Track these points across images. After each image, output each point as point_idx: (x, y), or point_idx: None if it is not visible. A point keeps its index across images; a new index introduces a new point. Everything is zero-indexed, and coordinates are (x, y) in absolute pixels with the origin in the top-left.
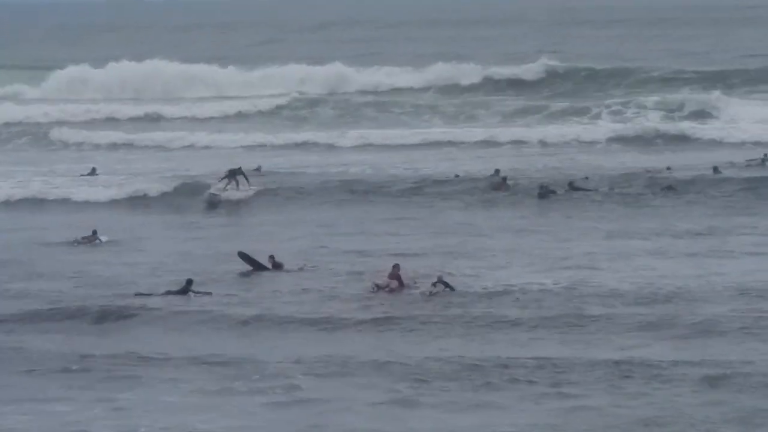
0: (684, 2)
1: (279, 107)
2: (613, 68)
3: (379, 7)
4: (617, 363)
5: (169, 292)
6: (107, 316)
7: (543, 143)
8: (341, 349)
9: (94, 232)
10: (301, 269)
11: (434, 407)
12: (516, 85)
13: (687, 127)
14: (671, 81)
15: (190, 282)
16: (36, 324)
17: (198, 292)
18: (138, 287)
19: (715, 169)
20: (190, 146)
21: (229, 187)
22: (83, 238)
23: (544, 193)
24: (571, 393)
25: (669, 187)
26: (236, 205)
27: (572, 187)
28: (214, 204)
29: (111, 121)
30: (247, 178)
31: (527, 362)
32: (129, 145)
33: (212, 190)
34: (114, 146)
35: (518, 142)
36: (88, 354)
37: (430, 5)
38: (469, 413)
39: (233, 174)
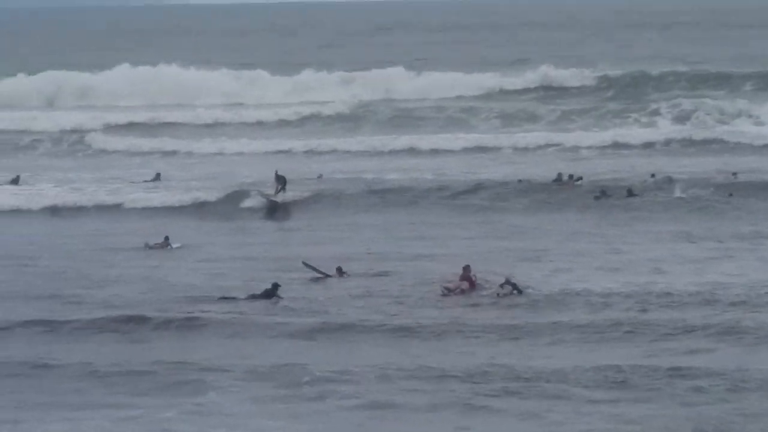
0: (746, 4)
1: (335, 113)
2: (670, 71)
3: (435, 12)
4: (681, 369)
5: (254, 296)
6: (174, 323)
7: (600, 147)
8: (408, 354)
9: (166, 238)
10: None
11: (498, 413)
12: (573, 89)
13: (740, 130)
14: (729, 83)
15: (276, 286)
16: (103, 329)
17: (281, 297)
18: (203, 291)
19: None
20: (243, 153)
21: (279, 190)
22: (155, 243)
23: (601, 196)
24: (636, 399)
25: (730, 195)
26: (296, 210)
27: (630, 193)
28: (272, 209)
29: (162, 126)
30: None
31: (592, 368)
32: (184, 152)
33: (267, 195)
34: (168, 152)
35: (576, 146)
36: (157, 360)
37: (488, 9)
38: (534, 419)
39: (279, 178)
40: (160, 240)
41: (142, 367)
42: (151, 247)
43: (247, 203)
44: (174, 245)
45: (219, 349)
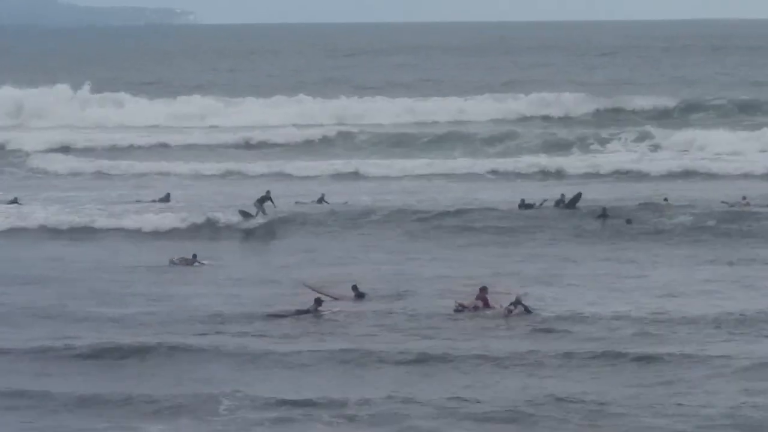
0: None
1: (324, 136)
2: (665, 99)
3: (449, 33)
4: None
5: (299, 312)
6: (182, 347)
7: (598, 173)
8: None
9: (194, 256)
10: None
11: None
12: (569, 115)
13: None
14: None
15: (319, 302)
16: (106, 354)
17: (323, 311)
18: (223, 311)
19: None
20: (239, 173)
21: (259, 213)
22: (180, 259)
23: (602, 215)
24: None
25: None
26: (300, 231)
27: (628, 222)
28: (247, 218)
29: (173, 149)
30: (273, 203)
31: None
32: (188, 175)
33: (244, 210)
34: (175, 174)
35: (566, 171)
36: (169, 385)
37: (498, 31)
38: None
39: (261, 201)
40: (188, 256)
41: (147, 394)
42: (175, 264)
43: (250, 224)
44: (203, 262)
45: (229, 375)
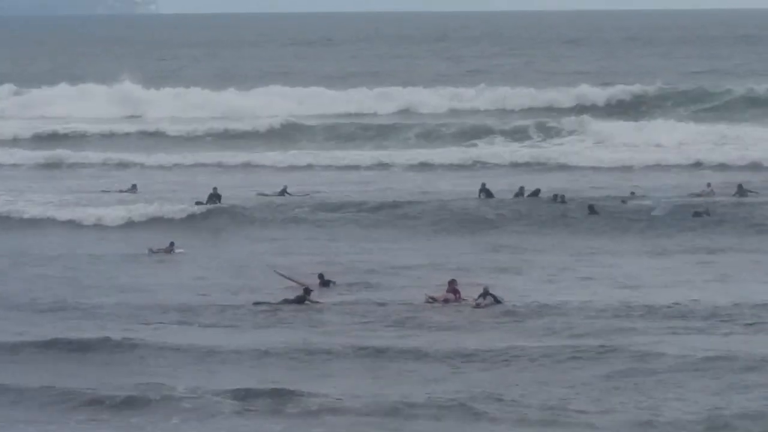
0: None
1: (291, 126)
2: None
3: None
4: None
5: (286, 301)
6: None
7: (542, 163)
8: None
9: (172, 244)
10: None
11: None
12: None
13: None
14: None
15: (308, 291)
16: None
17: (314, 302)
18: (193, 301)
19: (740, 189)
20: (194, 164)
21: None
22: (158, 249)
23: (557, 199)
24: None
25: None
26: (265, 221)
27: (592, 210)
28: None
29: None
30: (220, 200)
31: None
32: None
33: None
34: (132, 165)
35: (527, 163)
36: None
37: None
38: None
39: (211, 198)
40: (165, 245)
41: (111, 385)
42: (154, 252)
43: (209, 214)
44: (179, 250)
45: (192, 366)
